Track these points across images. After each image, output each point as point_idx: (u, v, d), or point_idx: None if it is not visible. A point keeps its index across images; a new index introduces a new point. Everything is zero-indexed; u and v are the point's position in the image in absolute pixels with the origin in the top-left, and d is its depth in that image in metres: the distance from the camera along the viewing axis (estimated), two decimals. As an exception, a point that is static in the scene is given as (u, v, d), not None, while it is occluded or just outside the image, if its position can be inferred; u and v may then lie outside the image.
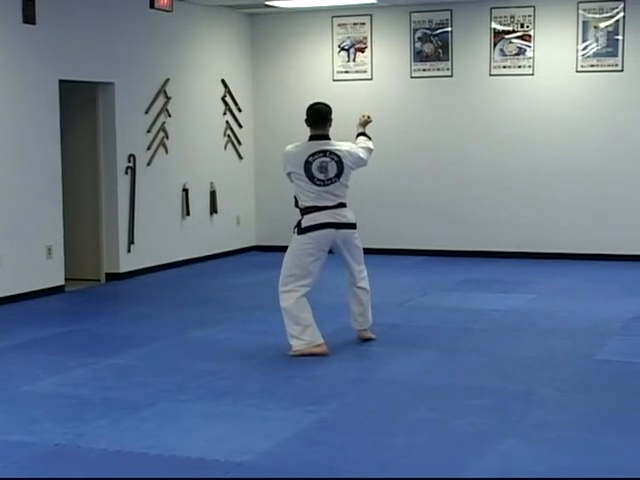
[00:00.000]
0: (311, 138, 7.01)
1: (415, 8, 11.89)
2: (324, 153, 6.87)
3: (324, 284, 10.21)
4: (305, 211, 6.92)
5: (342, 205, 6.98)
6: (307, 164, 6.84)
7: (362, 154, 7.13)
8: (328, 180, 6.87)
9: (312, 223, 6.87)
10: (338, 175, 6.89)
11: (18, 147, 9.29)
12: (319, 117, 7.00)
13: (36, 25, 9.30)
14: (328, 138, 7.00)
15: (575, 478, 4.58)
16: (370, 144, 7.34)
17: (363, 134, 7.45)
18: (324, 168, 6.85)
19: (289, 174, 7.00)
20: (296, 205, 7.07)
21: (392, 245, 12.17)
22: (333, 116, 7.08)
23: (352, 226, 7.03)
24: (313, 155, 6.86)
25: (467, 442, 5.06)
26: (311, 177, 6.85)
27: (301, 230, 6.91)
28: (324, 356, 6.91)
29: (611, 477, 4.57)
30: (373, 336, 7.40)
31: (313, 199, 6.89)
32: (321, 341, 7.00)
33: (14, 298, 9.19)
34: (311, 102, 7.27)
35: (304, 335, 6.95)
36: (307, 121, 7.03)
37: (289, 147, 7.05)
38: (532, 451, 4.92)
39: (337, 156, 6.89)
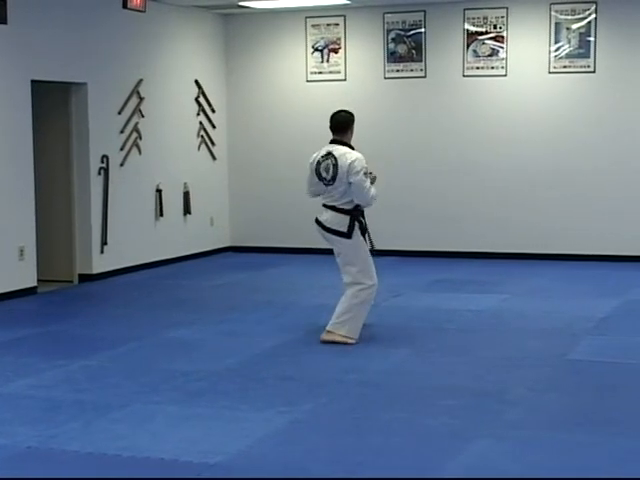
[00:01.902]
0: (330, 142, 7.49)
1: (388, 9, 11.91)
2: (329, 155, 7.35)
3: (301, 285, 10.25)
4: None
5: (333, 208, 7.36)
6: (317, 164, 7.40)
7: (363, 183, 7.23)
8: (327, 181, 7.34)
9: (315, 217, 7.48)
10: (333, 178, 7.31)
11: (-10, 148, 9.23)
12: (334, 125, 7.51)
13: (7, 25, 9.24)
14: (343, 143, 7.42)
15: (548, 477, 4.60)
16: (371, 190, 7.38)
17: None
18: (327, 169, 7.33)
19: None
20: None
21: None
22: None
23: (328, 229, 7.37)
24: (323, 157, 7.39)
25: (441, 442, 5.08)
26: (319, 176, 7.39)
27: None
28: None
29: (584, 476, 4.59)
30: (326, 338, 7.36)
31: (323, 197, 7.45)
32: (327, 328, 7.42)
33: (-14, 300, 9.15)
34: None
35: None
36: (330, 127, 7.52)
37: (314, 155, 7.52)
38: (505, 450, 4.95)
39: (335, 160, 7.30)
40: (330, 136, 7.52)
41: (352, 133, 7.54)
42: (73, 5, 10.16)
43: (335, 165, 7.28)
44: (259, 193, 12.72)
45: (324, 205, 7.45)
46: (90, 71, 10.39)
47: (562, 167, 11.50)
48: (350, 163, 7.24)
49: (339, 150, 7.35)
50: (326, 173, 7.32)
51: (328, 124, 7.52)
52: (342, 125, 7.47)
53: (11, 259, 9.43)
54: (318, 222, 7.45)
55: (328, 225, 7.37)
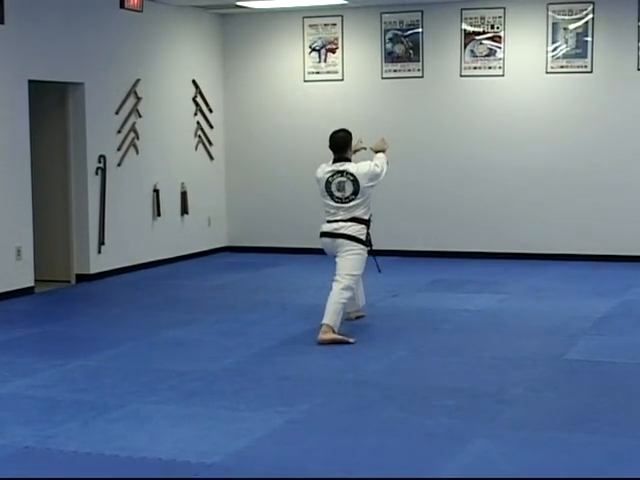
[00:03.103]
0: (333, 161, 7.78)
1: (386, 9, 11.91)
2: (341, 173, 7.63)
3: (298, 285, 10.25)
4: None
5: (352, 220, 7.62)
6: (327, 183, 7.66)
7: (376, 166, 7.73)
8: (346, 198, 7.63)
9: (320, 231, 7.75)
10: (355, 193, 7.60)
11: (-13, 147, 9.23)
12: (334, 145, 7.79)
13: (5, 25, 9.23)
14: (347, 160, 7.74)
15: (546, 477, 4.60)
16: (383, 159, 7.93)
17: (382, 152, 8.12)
18: (342, 188, 7.62)
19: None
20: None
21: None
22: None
23: (346, 237, 7.60)
24: (332, 175, 7.66)
25: (438, 442, 5.08)
26: (331, 195, 7.66)
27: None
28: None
29: (582, 476, 4.59)
30: (325, 337, 7.43)
31: (330, 214, 7.69)
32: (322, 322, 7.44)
33: (-17, 300, 9.14)
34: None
35: None
36: (329, 147, 7.80)
37: (318, 170, 7.81)
38: (503, 450, 4.95)
39: (352, 175, 7.60)
40: (325, 147, 7.78)
41: (351, 150, 7.86)
42: (70, 5, 10.16)
43: (355, 181, 7.59)
44: (256, 193, 12.72)
45: (336, 221, 7.63)
46: (87, 71, 10.38)
47: (559, 167, 11.50)
48: (368, 170, 7.63)
49: (350, 166, 7.67)
50: (341, 192, 7.62)
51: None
52: (342, 145, 7.77)
53: (8, 259, 9.42)
54: (337, 235, 7.61)
55: (353, 234, 7.58)
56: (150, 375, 6.47)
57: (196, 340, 7.59)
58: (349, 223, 7.61)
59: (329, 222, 7.69)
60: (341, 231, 7.61)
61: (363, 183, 7.60)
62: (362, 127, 11.94)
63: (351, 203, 7.61)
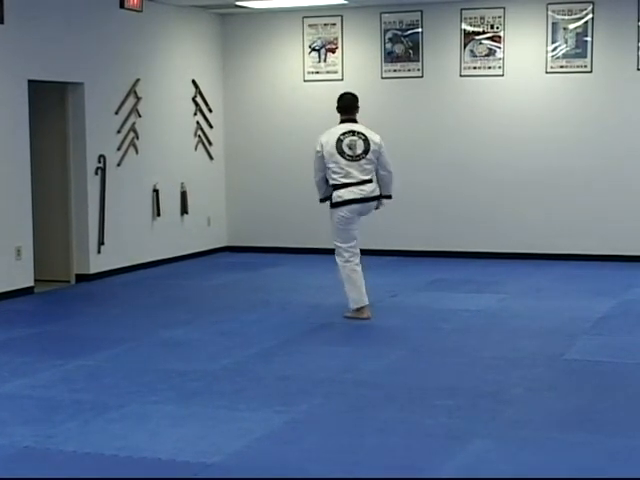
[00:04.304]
0: (341, 122, 8.17)
1: (385, 9, 11.91)
2: (352, 133, 8.03)
3: (297, 285, 10.24)
4: (335, 188, 8.01)
5: (367, 181, 8.01)
6: (339, 141, 7.99)
7: (389, 164, 8.18)
8: (357, 156, 7.96)
9: (339, 200, 7.98)
10: (365, 152, 7.98)
11: (-14, 147, 9.22)
12: (344, 106, 8.23)
13: (4, 24, 9.22)
14: (355, 121, 8.15)
15: (546, 477, 4.60)
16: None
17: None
18: (354, 145, 7.97)
19: (321, 156, 8.02)
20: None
21: (362, 245, 12.15)
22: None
23: (373, 199, 8.10)
24: (344, 134, 8.02)
25: (438, 442, 5.07)
26: (342, 153, 7.95)
27: (333, 205, 8.05)
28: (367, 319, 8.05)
29: (582, 476, 4.59)
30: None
31: (343, 175, 7.94)
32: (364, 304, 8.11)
33: (-17, 300, 9.13)
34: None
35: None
36: (338, 108, 8.24)
37: (322, 135, 8.12)
38: (502, 450, 4.94)
39: (364, 135, 8.02)
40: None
41: (357, 112, 8.24)
42: (70, 5, 10.15)
43: (366, 140, 7.99)
44: (256, 193, 12.72)
45: (350, 184, 7.93)
46: (87, 71, 10.38)
47: (559, 166, 11.50)
48: (380, 141, 8.08)
49: (362, 128, 8.07)
50: (352, 149, 7.95)
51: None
52: (351, 106, 8.20)
53: (8, 259, 9.42)
54: (364, 199, 7.96)
55: (374, 194, 8.06)
56: (150, 375, 6.47)
57: (196, 340, 7.59)
58: (373, 183, 8.04)
59: (344, 186, 7.91)
60: (376, 193, 8.06)
61: (373, 146, 7.97)
62: (362, 127, 11.99)
63: (362, 161, 7.93)
